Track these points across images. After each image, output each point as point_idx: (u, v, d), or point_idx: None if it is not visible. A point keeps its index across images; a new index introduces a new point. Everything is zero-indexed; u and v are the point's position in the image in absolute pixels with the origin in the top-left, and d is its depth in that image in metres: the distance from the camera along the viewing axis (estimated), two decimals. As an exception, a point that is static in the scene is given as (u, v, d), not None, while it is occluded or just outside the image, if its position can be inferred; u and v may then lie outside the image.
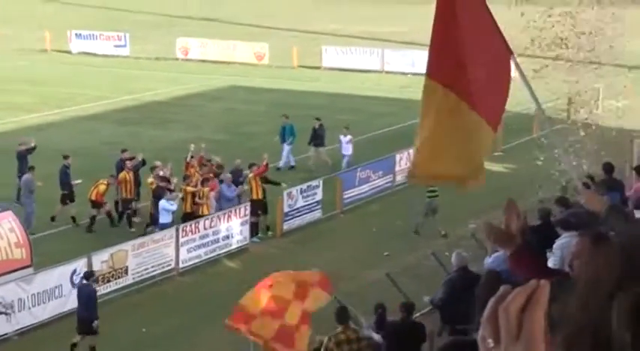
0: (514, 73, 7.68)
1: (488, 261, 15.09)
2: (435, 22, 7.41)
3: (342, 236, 27.77)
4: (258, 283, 16.35)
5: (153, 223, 26.90)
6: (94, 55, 59.10)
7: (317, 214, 29.06)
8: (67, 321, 21.40)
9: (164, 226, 25.60)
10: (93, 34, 61.11)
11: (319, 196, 29.06)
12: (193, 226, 25.50)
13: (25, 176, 27.99)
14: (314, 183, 29.31)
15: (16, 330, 21.22)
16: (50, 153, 30.85)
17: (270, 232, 27.77)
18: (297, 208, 28.30)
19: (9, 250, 22.29)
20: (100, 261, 22.82)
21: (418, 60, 45.52)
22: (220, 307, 18.95)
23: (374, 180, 31.17)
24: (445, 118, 7.39)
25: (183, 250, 24.92)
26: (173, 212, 26.23)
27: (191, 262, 25.23)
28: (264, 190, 27.64)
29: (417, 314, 18.37)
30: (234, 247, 26.43)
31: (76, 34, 61.20)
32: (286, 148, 33.87)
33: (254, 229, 27.10)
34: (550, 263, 10.70)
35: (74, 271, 22.12)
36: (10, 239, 22.41)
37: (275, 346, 15.99)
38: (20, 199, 28.06)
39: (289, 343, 15.88)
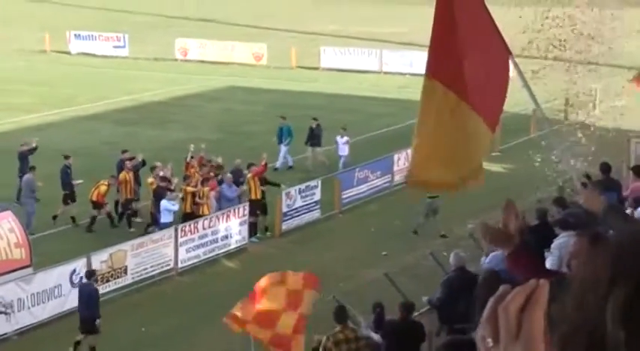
0: (512, 73, 7.73)
1: (485, 261, 15.16)
2: (434, 22, 7.45)
3: (341, 236, 27.77)
4: (249, 294, 16.30)
5: (154, 223, 26.93)
6: (93, 55, 58.97)
7: (315, 214, 29.07)
8: (66, 321, 21.45)
9: (166, 226, 25.62)
10: (92, 35, 61.00)
11: (318, 196, 29.06)
12: (192, 226, 25.50)
13: (26, 176, 28.01)
14: (312, 183, 29.31)
15: (16, 330, 21.24)
16: (50, 153, 30.80)
17: (268, 233, 27.80)
18: (296, 208, 28.30)
19: (8, 250, 22.32)
20: (100, 261, 22.84)
21: (416, 60, 45.51)
22: (219, 306, 18.94)
23: (372, 180, 31.16)
24: (446, 118, 7.41)
25: (182, 250, 24.93)
26: (175, 212, 26.27)
27: (190, 262, 25.24)
28: (263, 191, 27.66)
29: (416, 314, 18.38)
30: (233, 247, 26.44)
31: (75, 35, 61.08)
32: (283, 148, 33.84)
33: (253, 229, 27.12)
34: (548, 263, 10.75)
35: (73, 271, 22.16)
36: (10, 239, 22.44)
37: (272, 349, 16.09)
38: (20, 199, 28.07)
39: (286, 347, 15.91)
